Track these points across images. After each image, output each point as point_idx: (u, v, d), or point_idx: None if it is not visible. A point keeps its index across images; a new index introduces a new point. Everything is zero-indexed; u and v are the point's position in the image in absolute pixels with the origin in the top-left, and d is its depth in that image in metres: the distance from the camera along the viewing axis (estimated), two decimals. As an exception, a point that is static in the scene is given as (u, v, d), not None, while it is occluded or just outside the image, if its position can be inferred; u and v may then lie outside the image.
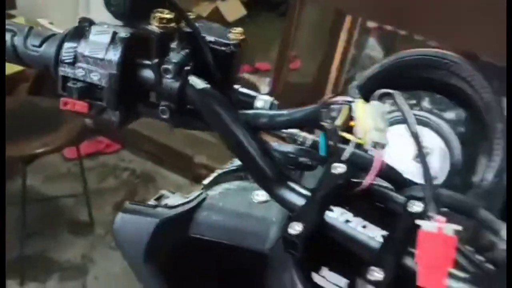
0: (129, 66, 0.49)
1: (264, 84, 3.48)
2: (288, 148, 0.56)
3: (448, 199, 0.50)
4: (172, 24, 0.49)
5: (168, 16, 0.48)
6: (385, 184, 0.56)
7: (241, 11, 4.25)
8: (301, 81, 3.09)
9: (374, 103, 0.50)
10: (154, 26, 0.48)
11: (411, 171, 0.65)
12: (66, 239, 2.24)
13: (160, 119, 0.52)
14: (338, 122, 0.50)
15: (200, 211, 0.63)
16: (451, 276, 0.41)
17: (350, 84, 0.56)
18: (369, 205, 0.52)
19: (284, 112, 0.54)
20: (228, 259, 0.63)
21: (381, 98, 0.51)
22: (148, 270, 0.62)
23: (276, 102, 0.56)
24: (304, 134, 0.59)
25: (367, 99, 0.51)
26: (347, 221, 0.49)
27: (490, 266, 0.47)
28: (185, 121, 0.53)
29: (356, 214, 0.49)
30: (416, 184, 0.57)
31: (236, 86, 0.57)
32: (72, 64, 0.50)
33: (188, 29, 0.52)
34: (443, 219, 0.39)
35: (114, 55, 0.48)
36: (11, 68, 2.56)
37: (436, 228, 0.38)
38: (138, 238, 0.61)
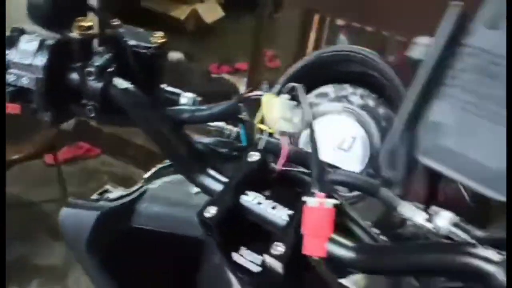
0: (56, 70, 0.54)
1: (243, 84, 3.53)
2: (211, 140, 0.61)
3: (351, 180, 0.55)
4: (92, 31, 0.53)
5: (87, 23, 0.53)
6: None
7: (219, 13, 4.28)
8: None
9: (282, 96, 0.55)
10: (75, 33, 0.53)
11: (336, 158, 0.70)
12: (47, 244, 2.27)
13: (89, 118, 0.56)
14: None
15: (140, 203, 0.68)
16: (335, 242, 0.46)
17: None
18: (283, 188, 0.56)
19: (205, 107, 0.59)
20: (168, 247, 0.67)
21: (290, 91, 0.55)
22: (92, 261, 0.66)
23: (198, 98, 0.60)
24: (230, 127, 0.64)
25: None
26: (259, 203, 0.53)
27: (384, 239, 0.52)
28: (111, 118, 0.58)
29: (269, 197, 0.54)
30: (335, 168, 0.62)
31: (162, 85, 0.62)
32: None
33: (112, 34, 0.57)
34: (322, 195, 0.44)
35: (41, 60, 0.53)
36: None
37: (317, 203, 0.43)
38: (80, 231, 0.65)
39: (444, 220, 0.46)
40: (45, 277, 2.13)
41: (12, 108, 0.54)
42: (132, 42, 0.57)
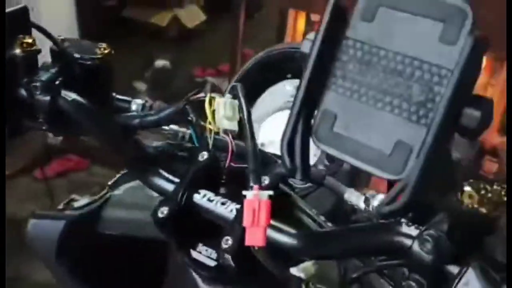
0: (6, 87, 0.56)
1: (226, 85, 3.55)
2: (163, 143, 0.63)
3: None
4: (35, 47, 0.55)
5: (28, 40, 0.55)
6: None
7: (200, 17, 4.30)
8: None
9: (227, 96, 0.57)
10: (18, 50, 0.55)
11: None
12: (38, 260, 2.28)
13: (42, 130, 0.58)
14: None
15: (105, 209, 0.70)
16: (279, 231, 0.49)
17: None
18: (233, 184, 0.59)
19: (153, 112, 0.61)
20: (135, 251, 0.69)
21: (232, 91, 0.57)
22: (61, 269, 0.68)
23: (148, 104, 0.63)
24: (183, 129, 0.66)
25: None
26: (210, 200, 0.56)
27: (330, 225, 0.54)
28: (64, 129, 0.60)
29: (219, 193, 0.57)
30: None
31: (113, 93, 0.64)
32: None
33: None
34: (257, 187, 0.46)
35: (-12, 79, 0.55)
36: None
37: (253, 195, 0.45)
38: (48, 240, 0.67)
39: (377, 201, 0.48)
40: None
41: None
42: (77, 55, 0.59)
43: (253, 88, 0.75)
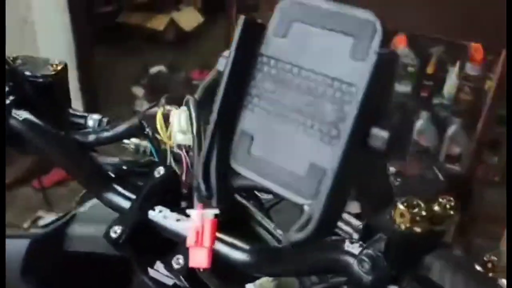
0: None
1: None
2: (122, 159, 0.62)
3: (252, 183, 0.56)
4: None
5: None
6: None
7: (198, 19, 4.28)
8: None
9: (181, 108, 0.56)
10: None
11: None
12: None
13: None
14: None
15: (71, 227, 0.69)
16: (232, 247, 0.47)
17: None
18: (189, 200, 0.57)
19: (108, 127, 0.60)
20: (101, 268, 0.68)
21: (186, 104, 0.56)
22: (28, 288, 0.67)
23: (105, 119, 0.61)
24: (145, 143, 0.64)
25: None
26: (165, 217, 0.54)
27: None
28: (21, 148, 0.59)
29: (175, 209, 0.55)
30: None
31: (70, 109, 0.62)
32: None
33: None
34: (201, 205, 0.44)
35: None
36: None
37: (197, 214, 0.44)
38: (13, 259, 0.66)
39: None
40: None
41: None
42: (28, 73, 0.57)
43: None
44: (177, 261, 0.49)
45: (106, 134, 0.58)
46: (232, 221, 0.48)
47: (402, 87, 2.35)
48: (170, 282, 0.55)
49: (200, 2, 4.36)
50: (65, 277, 0.68)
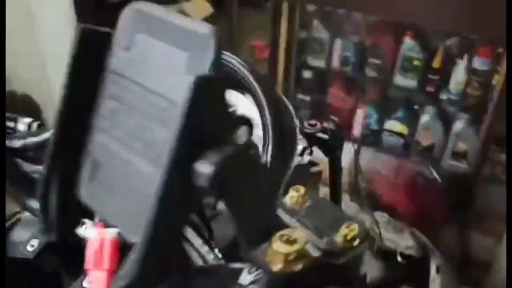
0: None
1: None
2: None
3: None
4: None
5: None
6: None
7: (208, 9, 4.23)
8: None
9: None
10: None
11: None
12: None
13: None
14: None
15: (14, 231, 0.66)
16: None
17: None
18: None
19: (36, 132, 0.57)
20: (44, 273, 0.66)
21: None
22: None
23: (36, 123, 0.58)
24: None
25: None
26: (86, 228, 0.51)
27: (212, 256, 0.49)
28: None
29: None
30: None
31: None
32: None
33: None
34: (101, 224, 0.41)
35: None
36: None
37: (95, 233, 0.41)
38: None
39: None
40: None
41: None
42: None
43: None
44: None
45: (33, 139, 0.55)
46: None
47: (408, 81, 2.28)
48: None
49: (210, -7, 4.31)
50: (9, 285, 0.66)
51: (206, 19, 4.19)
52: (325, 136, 0.66)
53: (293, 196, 0.43)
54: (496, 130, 2.09)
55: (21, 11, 2.58)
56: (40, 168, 0.58)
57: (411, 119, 2.31)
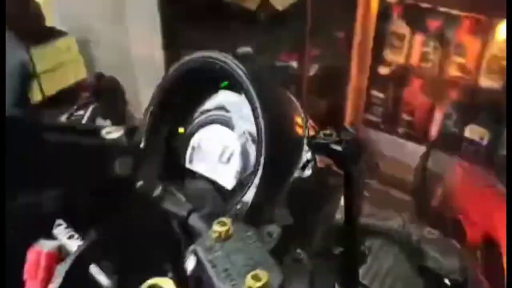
0: None
1: (314, 70, 3.42)
2: None
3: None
4: None
5: None
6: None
7: (291, -2, 4.18)
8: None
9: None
10: None
11: (218, 172, 0.65)
12: None
13: None
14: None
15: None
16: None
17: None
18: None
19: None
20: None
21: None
22: None
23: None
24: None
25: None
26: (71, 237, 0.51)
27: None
28: None
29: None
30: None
31: None
32: None
33: None
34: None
35: None
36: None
37: (37, 245, 0.40)
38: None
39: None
40: None
41: None
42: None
43: (183, 98, 0.68)
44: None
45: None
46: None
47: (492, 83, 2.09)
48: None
49: (296, -20, 4.25)
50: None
51: (289, 8, 4.15)
52: (339, 148, 0.60)
53: (216, 231, 0.40)
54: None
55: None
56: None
57: (494, 123, 2.12)
